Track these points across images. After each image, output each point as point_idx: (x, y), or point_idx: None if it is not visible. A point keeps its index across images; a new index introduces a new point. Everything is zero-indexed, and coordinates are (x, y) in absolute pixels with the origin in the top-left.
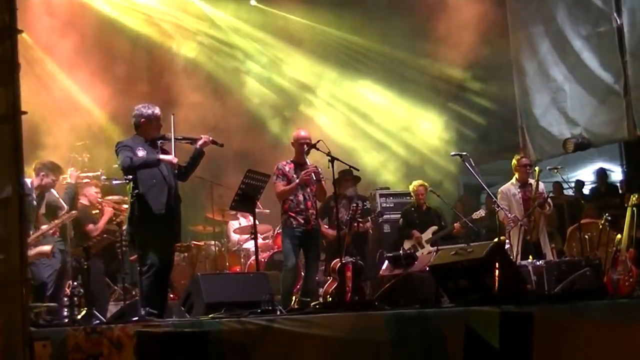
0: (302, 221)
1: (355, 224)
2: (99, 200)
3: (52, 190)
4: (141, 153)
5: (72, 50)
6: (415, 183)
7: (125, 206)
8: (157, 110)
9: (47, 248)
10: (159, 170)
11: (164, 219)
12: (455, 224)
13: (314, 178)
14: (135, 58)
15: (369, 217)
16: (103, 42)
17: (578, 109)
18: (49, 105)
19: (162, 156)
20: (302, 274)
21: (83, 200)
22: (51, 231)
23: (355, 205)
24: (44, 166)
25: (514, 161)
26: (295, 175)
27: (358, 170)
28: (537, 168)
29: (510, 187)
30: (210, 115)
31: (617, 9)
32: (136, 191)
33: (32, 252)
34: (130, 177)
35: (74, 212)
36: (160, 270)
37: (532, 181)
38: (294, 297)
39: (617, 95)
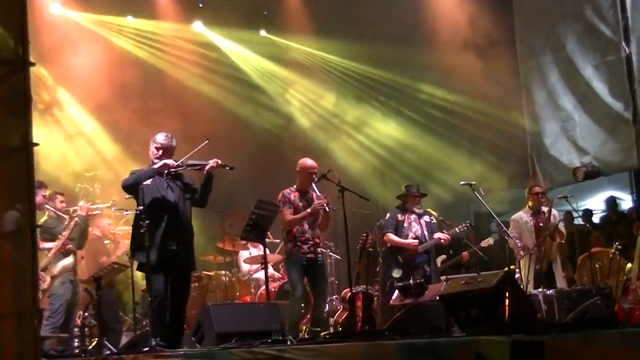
0: (308, 250)
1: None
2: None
3: (47, 206)
4: (148, 181)
5: (83, 80)
6: None
7: None
8: (163, 139)
9: (68, 260)
10: (168, 198)
11: (171, 248)
12: (463, 253)
13: (327, 209)
14: (148, 88)
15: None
16: (115, 73)
17: (588, 138)
18: (60, 136)
19: (155, 165)
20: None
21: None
22: (54, 251)
23: (365, 235)
24: None
25: (526, 189)
26: (300, 204)
27: (368, 200)
28: (550, 197)
29: (523, 214)
30: (219, 145)
31: (625, 38)
32: (146, 221)
33: (56, 270)
34: (142, 207)
35: (64, 234)
36: (164, 301)
37: (544, 209)
38: (303, 328)
39: (627, 123)
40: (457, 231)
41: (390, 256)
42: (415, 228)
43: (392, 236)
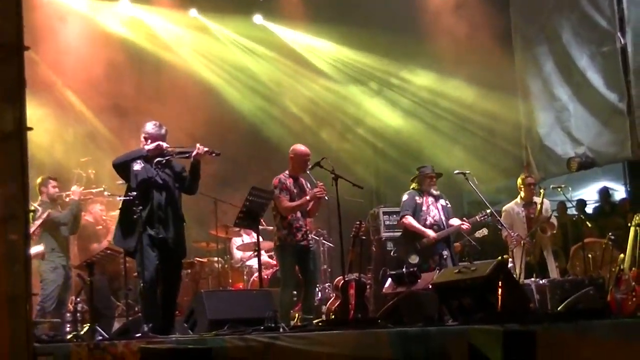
0: (301, 237)
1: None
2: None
3: None
4: (137, 167)
5: (78, 67)
6: None
7: None
8: (151, 128)
9: (39, 248)
10: (158, 186)
11: (161, 235)
12: (454, 244)
13: (326, 198)
14: (143, 74)
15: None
16: (109, 58)
17: (582, 128)
18: (54, 121)
19: (148, 147)
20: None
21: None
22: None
23: (358, 223)
24: None
25: (519, 180)
26: (295, 190)
27: (362, 188)
28: (542, 189)
29: (514, 205)
30: (213, 132)
31: (621, 29)
32: (139, 207)
33: None
34: (135, 194)
35: (44, 215)
36: (154, 287)
37: (536, 199)
38: (296, 315)
39: (621, 114)
40: (478, 220)
41: (408, 242)
42: (434, 213)
43: (411, 220)
